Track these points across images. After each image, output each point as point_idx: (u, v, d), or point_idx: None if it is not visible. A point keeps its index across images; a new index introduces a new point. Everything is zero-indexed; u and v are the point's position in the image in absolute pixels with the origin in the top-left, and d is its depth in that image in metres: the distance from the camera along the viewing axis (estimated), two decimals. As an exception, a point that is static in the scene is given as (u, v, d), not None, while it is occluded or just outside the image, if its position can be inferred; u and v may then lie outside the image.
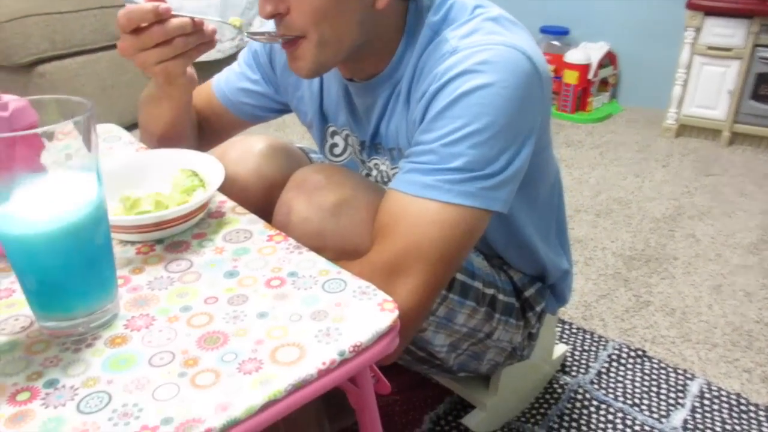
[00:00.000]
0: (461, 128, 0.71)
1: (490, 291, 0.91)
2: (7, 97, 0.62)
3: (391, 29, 0.80)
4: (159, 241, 0.70)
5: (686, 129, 2.51)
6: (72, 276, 0.54)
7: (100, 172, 0.53)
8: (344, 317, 0.58)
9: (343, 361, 0.54)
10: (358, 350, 0.55)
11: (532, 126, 0.76)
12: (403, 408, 1.19)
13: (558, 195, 1.00)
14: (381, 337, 0.57)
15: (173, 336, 0.56)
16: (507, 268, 0.98)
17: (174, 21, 0.73)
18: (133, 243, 0.70)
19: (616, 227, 1.84)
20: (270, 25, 0.84)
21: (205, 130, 1.01)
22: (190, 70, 0.84)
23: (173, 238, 0.71)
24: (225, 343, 0.55)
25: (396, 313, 0.58)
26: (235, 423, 0.48)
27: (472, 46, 0.73)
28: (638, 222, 1.87)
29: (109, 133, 0.99)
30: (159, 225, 0.68)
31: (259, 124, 1.06)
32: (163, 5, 0.72)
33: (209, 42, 0.78)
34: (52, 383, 0.51)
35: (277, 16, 0.74)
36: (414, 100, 0.79)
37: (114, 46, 2.26)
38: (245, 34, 0.81)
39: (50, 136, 0.49)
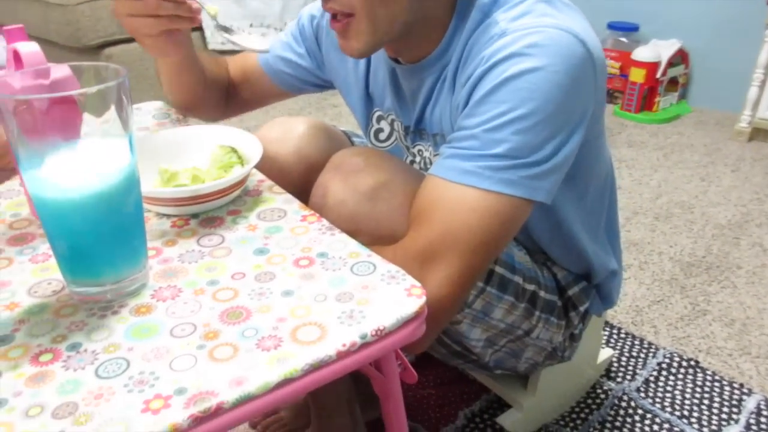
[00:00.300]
0: (505, 113, 0.68)
1: (530, 287, 0.88)
2: (53, 66, 0.63)
3: (441, 9, 0.77)
4: (194, 216, 0.70)
5: (760, 133, 2.37)
6: (101, 242, 0.54)
7: (133, 141, 0.54)
8: (370, 300, 0.56)
9: (365, 345, 0.52)
10: (381, 334, 0.53)
11: (583, 114, 0.73)
12: (438, 402, 1.17)
13: (610, 190, 0.96)
14: (406, 323, 0.55)
15: (197, 308, 0.56)
16: (551, 265, 0.94)
17: None
18: (169, 216, 0.70)
19: (675, 232, 1.76)
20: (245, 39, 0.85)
21: (240, 95, 1.02)
22: (162, 39, 0.81)
23: (208, 213, 0.71)
24: (247, 319, 0.54)
25: (423, 299, 0.57)
26: (248, 398, 0.47)
27: (522, 28, 0.70)
28: (700, 228, 1.78)
29: (158, 110, 1.01)
30: (194, 199, 0.68)
31: (298, 95, 1.07)
32: None
33: (190, 18, 0.79)
34: (74, 347, 0.51)
35: None
36: (459, 84, 0.77)
37: (178, 31, 2.31)
38: (215, 26, 0.81)
39: (82, 102, 0.49)
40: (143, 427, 0.44)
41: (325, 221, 0.69)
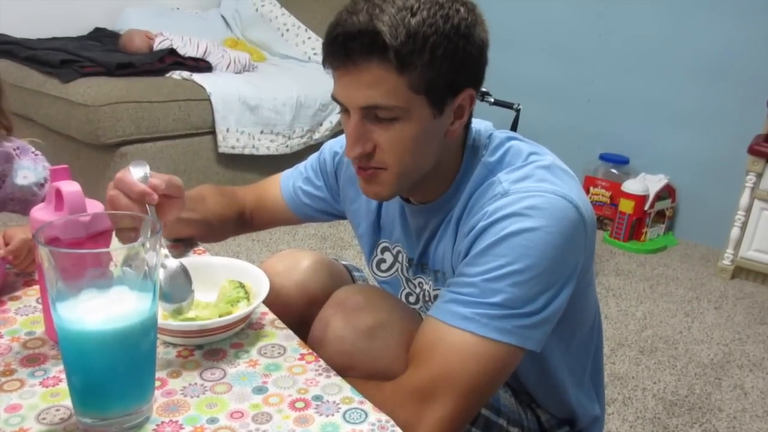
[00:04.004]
0: (504, 266, 0.75)
1: (514, 430, 0.91)
2: (89, 203, 0.70)
3: (451, 160, 0.85)
4: (199, 347, 0.75)
5: (743, 272, 2.45)
6: (114, 380, 0.58)
7: (156, 289, 0.59)
8: (359, 451, 0.59)
9: (352, 498, 0.55)
10: (368, 488, 0.56)
11: (573, 270, 0.79)
12: None
13: (596, 338, 1.00)
14: (392, 476, 0.58)
15: (196, 448, 0.59)
16: (535, 407, 0.98)
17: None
18: (175, 345, 0.74)
19: (659, 368, 1.79)
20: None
21: (254, 222, 1.09)
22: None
23: (213, 345, 0.75)
24: (243, 463, 0.57)
25: (409, 454, 0.60)
26: None
27: (523, 191, 0.78)
28: (684, 365, 1.81)
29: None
30: (201, 333, 0.73)
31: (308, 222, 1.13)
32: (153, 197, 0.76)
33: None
34: (78, 482, 0.54)
35: (364, 155, 0.79)
36: (462, 232, 0.84)
37: (192, 135, 2.43)
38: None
39: (118, 252, 0.55)
40: None
41: (321, 362, 0.73)
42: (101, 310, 0.56)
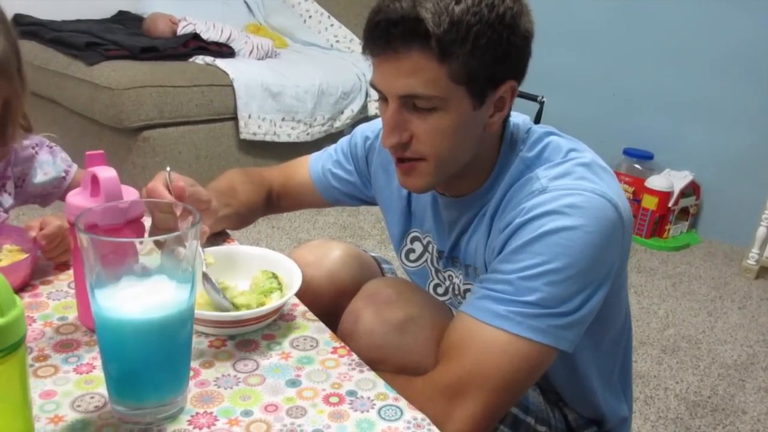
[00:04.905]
0: (541, 264, 0.73)
1: (542, 428, 0.90)
2: (125, 190, 0.69)
3: (489, 149, 0.83)
4: (231, 337, 0.74)
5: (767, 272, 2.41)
6: (151, 369, 0.58)
7: (195, 279, 0.58)
8: (395, 449, 0.59)
9: (389, 497, 0.54)
10: (405, 487, 0.55)
11: (609, 271, 0.78)
12: None
13: (626, 339, 0.99)
14: (429, 476, 0.57)
15: (231, 441, 0.58)
16: (562, 405, 0.96)
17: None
18: (206, 335, 0.74)
19: (682, 367, 1.77)
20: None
21: (281, 204, 1.08)
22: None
23: (245, 335, 0.74)
24: (278, 457, 0.57)
25: (446, 453, 0.59)
26: None
27: (562, 188, 0.76)
28: (707, 365, 1.79)
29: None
30: (234, 323, 0.72)
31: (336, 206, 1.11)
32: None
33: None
34: (115, 472, 0.54)
35: (401, 145, 0.78)
36: (496, 228, 0.82)
37: (214, 120, 2.43)
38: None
39: (160, 242, 0.55)
40: None
41: (354, 356, 0.72)
42: (140, 299, 0.56)
